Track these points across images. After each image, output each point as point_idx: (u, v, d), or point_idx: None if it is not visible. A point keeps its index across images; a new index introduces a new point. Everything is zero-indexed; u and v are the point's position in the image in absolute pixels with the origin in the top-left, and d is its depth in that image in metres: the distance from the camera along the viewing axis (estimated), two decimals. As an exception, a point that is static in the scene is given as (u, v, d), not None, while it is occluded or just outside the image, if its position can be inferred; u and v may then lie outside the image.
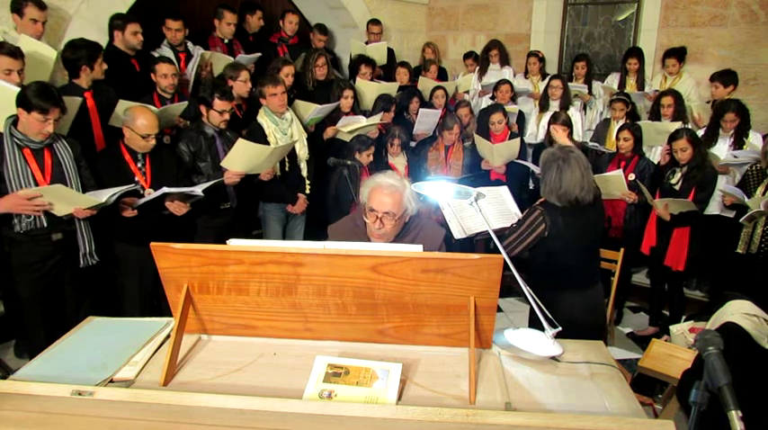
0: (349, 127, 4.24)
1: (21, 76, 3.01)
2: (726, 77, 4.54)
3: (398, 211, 2.21)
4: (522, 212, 3.12)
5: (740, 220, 3.54)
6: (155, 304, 3.35)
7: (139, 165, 3.12)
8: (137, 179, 3.09)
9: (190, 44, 4.40)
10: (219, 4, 4.69)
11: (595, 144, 4.59)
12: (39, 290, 2.90)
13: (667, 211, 3.65)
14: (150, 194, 3.01)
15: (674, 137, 3.71)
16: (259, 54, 4.67)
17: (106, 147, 3.33)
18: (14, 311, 3.22)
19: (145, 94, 3.65)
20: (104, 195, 2.81)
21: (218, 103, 3.37)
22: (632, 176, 3.88)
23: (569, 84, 5.37)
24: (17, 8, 3.38)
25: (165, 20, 4.20)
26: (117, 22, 3.87)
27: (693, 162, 3.68)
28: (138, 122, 3.00)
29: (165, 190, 3.00)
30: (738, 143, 4.07)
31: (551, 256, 2.46)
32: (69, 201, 2.77)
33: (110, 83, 3.55)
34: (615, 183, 3.74)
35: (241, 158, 3.29)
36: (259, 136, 3.64)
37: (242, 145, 3.24)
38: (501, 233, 2.63)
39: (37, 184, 2.75)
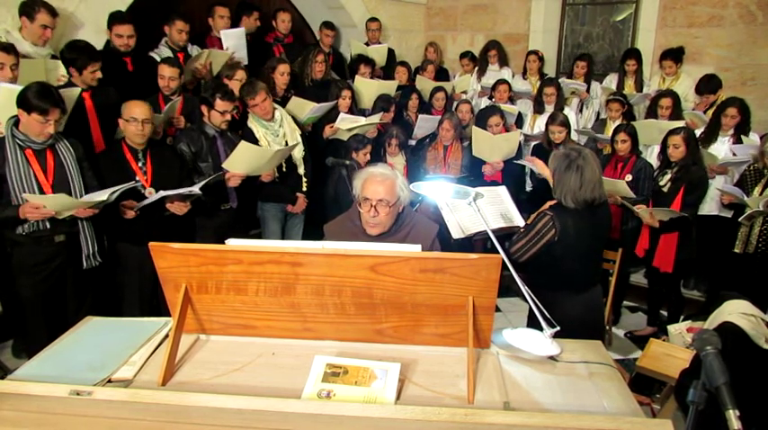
0: (347, 125, 4.24)
1: (14, 72, 3.00)
2: (711, 85, 4.60)
3: (392, 199, 2.25)
4: (520, 213, 3.13)
5: (739, 220, 3.55)
6: (154, 304, 3.34)
7: (140, 164, 3.12)
8: (137, 178, 3.09)
9: (189, 45, 4.39)
10: (213, 2, 4.69)
11: (591, 132, 4.63)
12: (40, 291, 2.89)
13: (654, 219, 3.65)
14: (149, 198, 3.01)
15: (672, 132, 3.72)
16: (243, 29, 4.63)
17: (108, 146, 3.32)
18: (12, 311, 3.21)
19: (138, 93, 3.61)
20: (105, 194, 2.80)
21: (220, 104, 3.37)
22: (629, 177, 3.88)
23: (567, 81, 5.38)
24: (27, 12, 3.35)
25: (175, 20, 4.19)
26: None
27: (684, 162, 3.68)
28: (127, 109, 3.02)
29: (163, 193, 3.00)
30: (737, 142, 4.08)
31: (557, 260, 2.45)
32: (72, 206, 2.76)
33: (103, 83, 3.53)
34: (621, 190, 3.73)
35: (243, 160, 3.29)
36: (250, 141, 3.62)
37: (244, 147, 3.24)
38: (499, 233, 2.63)
39: (39, 185, 2.74)
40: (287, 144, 3.78)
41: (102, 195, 2.79)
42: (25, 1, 3.35)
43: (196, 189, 3.07)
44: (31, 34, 3.38)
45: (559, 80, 5.42)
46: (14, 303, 3.05)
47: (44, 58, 3.41)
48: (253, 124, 3.74)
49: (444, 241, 2.58)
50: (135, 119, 3.00)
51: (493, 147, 4.39)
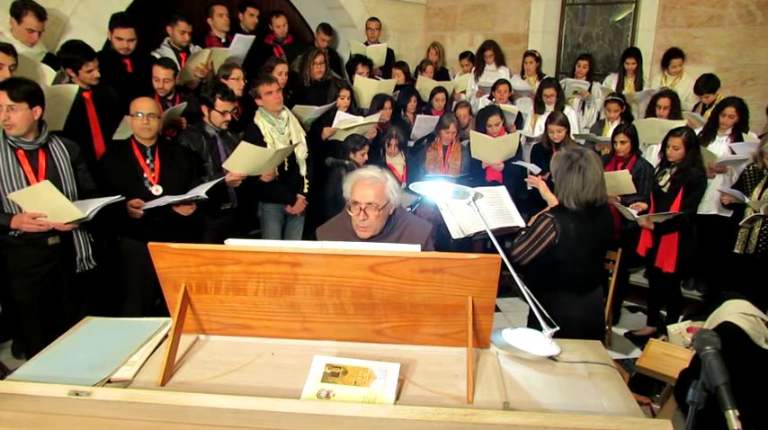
0: (345, 125, 4.24)
1: (12, 73, 2.98)
2: (710, 84, 4.62)
3: (381, 202, 2.25)
4: (520, 213, 3.13)
5: (740, 224, 3.54)
6: (157, 304, 3.33)
7: (148, 161, 3.11)
8: (145, 175, 3.09)
9: (191, 45, 4.39)
10: (212, 1, 4.69)
11: (591, 135, 4.64)
12: (36, 294, 2.87)
13: (650, 223, 3.67)
14: (156, 200, 3.00)
15: (672, 132, 3.73)
16: (254, 36, 4.65)
17: (118, 142, 3.31)
18: (12, 312, 3.20)
19: (138, 94, 3.61)
20: (91, 206, 2.72)
21: (220, 104, 3.37)
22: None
23: (571, 80, 5.38)
24: (16, 13, 3.34)
25: (178, 21, 4.19)
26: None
27: (683, 163, 3.68)
28: (133, 105, 3.02)
29: (169, 200, 2.99)
30: (736, 142, 4.08)
31: (558, 262, 2.45)
32: (54, 204, 2.65)
33: (102, 83, 3.52)
34: (623, 182, 3.73)
35: (243, 160, 3.28)
36: (256, 137, 3.63)
37: (244, 147, 3.24)
38: (499, 233, 2.62)
39: (29, 186, 2.67)
40: (291, 143, 3.78)
41: (87, 207, 2.71)
42: (15, 1, 3.35)
43: (202, 194, 3.06)
44: (19, 35, 3.38)
45: (562, 80, 5.42)
46: (12, 304, 3.03)
47: (35, 58, 3.40)
48: (260, 119, 3.74)
49: (442, 240, 2.58)
50: (141, 113, 2.99)
51: (492, 149, 4.39)
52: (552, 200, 2.54)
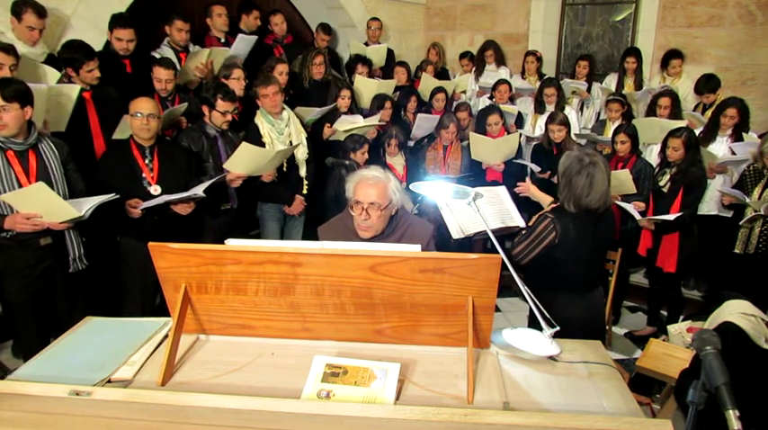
0: (346, 126, 4.24)
1: (13, 73, 2.98)
2: (710, 84, 4.62)
3: (383, 202, 2.25)
4: (520, 213, 3.13)
5: (740, 223, 3.54)
6: (157, 304, 3.33)
7: (147, 161, 3.11)
8: (143, 175, 3.08)
9: (190, 45, 4.39)
10: (211, 2, 4.69)
11: (592, 134, 4.65)
12: (29, 295, 2.84)
13: (651, 223, 3.69)
14: (154, 200, 3.00)
15: (672, 133, 3.72)
16: (256, 37, 4.66)
17: (117, 141, 3.31)
18: (11, 312, 3.20)
19: (137, 95, 3.60)
20: (86, 205, 2.72)
21: (221, 104, 3.38)
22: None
23: (569, 81, 5.39)
24: (16, 12, 3.34)
25: (175, 20, 4.19)
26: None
27: (683, 164, 3.68)
28: (133, 105, 3.01)
29: (167, 198, 2.99)
30: (736, 142, 4.09)
31: (558, 263, 2.44)
32: (49, 204, 2.64)
33: (102, 83, 3.51)
34: (623, 182, 3.73)
35: (243, 161, 3.28)
36: (255, 137, 3.64)
37: (245, 147, 3.24)
38: (499, 233, 2.62)
39: (21, 187, 2.65)
40: (291, 144, 3.78)
41: (82, 206, 2.70)
42: (15, 0, 3.34)
43: (200, 192, 3.06)
44: (20, 35, 3.37)
45: (562, 80, 5.43)
46: (11, 305, 3.03)
47: (37, 59, 3.40)
48: (260, 120, 3.74)
49: (443, 240, 2.58)
50: (140, 113, 2.98)
51: (492, 150, 4.39)
52: (544, 198, 2.52)
